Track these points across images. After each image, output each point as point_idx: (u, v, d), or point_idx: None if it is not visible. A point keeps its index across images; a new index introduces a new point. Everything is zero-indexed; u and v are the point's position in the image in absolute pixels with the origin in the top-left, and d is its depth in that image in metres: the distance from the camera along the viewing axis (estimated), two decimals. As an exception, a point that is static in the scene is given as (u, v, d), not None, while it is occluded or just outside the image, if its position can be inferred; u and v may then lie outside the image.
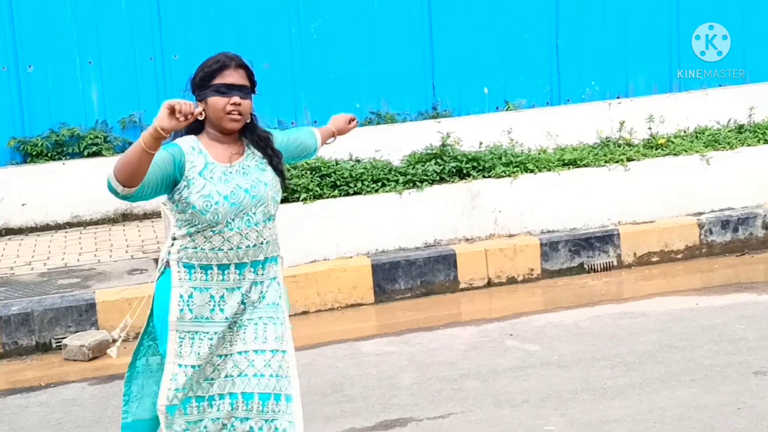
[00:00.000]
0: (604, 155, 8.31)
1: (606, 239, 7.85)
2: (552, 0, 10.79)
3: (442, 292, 7.51)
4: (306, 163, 7.82)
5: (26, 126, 9.79)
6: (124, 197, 3.46)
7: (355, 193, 7.70)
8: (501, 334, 6.39)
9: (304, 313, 7.23)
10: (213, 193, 3.62)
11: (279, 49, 10.19)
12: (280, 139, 4.07)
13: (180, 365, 3.70)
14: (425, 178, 7.84)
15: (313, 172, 7.76)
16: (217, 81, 3.69)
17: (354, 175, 7.79)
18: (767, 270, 7.62)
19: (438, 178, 7.88)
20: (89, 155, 9.75)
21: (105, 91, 9.95)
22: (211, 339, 3.72)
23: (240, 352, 3.74)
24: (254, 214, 3.73)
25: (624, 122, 9.07)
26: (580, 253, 7.78)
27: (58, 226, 9.68)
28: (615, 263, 7.84)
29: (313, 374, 5.89)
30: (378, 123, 10.31)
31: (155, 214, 9.61)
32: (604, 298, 7.12)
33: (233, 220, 3.67)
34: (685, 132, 9.08)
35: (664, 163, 8.26)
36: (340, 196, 7.67)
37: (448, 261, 7.56)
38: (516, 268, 7.67)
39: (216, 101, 3.66)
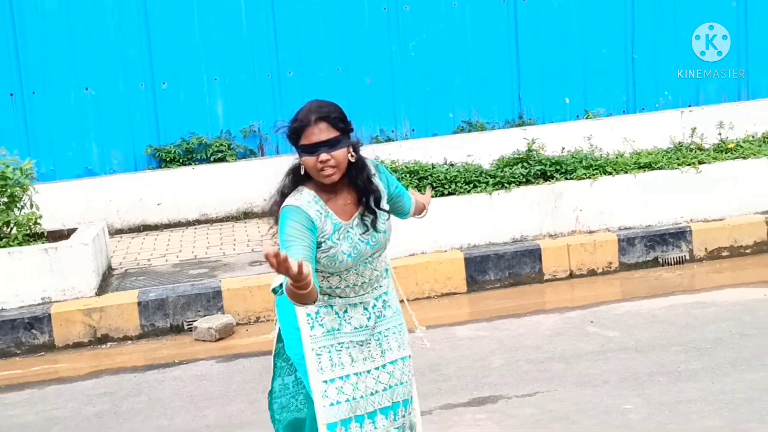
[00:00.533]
0: (677, 159, 8.18)
1: (679, 235, 7.71)
2: (628, 17, 10.62)
3: (528, 282, 7.46)
4: (406, 166, 7.86)
5: (161, 135, 10.00)
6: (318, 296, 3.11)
7: (450, 193, 7.70)
8: (582, 321, 6.33)
9: (403, 301, 7.24)
10: (338, 253, 3.32)
11: (381, 65, 10.23)
12: (393, 184, 3.65)
13: (324, 381, 3.38)
14: (512, 180, 7.80)
15: (412, 175, 7.77)
16: (303, 141, 3.24)
17: (448, 177, 7.79)
18: (831, 264, 7.41)
19: (524, 180, 7.84)
20: (215, 161, 9.91)
21: (228, 104, 10.10)
22: (348, 348, 3.44)
23: (377, 368, 3.48)
24: (371, 258, 3.45)
25: (695, 128, 8.90)
26: (654, 248, 7.66)
27: (188, 223, 9.86)
28: (687, 257, 7.70)
29: (413, 356, 5.90)
30: (469, 131, 10.28)
31: (272, 213, 9.70)
32: (677, 289, 6.99)
33: (353, 267, 3.40)
34: (753, 137, 8.89)
35: (733, 165, 8.08)
36: (436, 196, 7.67)
37: (534, 255, 7.50)
38: (596, 261, 7.58)
39: (306, 161, 3.26)
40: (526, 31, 10.46)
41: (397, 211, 3.79)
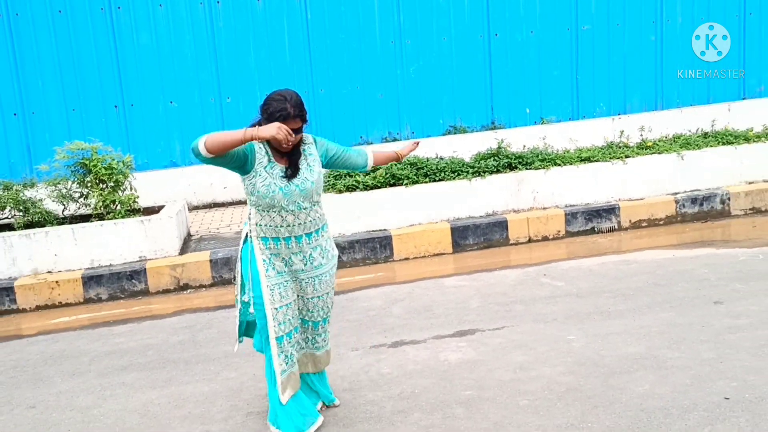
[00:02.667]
0: (609, 154, 8.15)
1: (610, 211, 7.68)
2: (573, 49, 10.53)
3: (497, 246, 7.46)
4: (408, 160, 7.84)
5: (226, 137, 9.96)
6: (204, 160, 3.47)
7: (440, 180, 7.69)
8: (538, 275, 6.34)
9: (406, 259, 7.26)
10: (272, 184, 3.58)
11: (389, 84, 10.17)
12: (334, 150, 3.90)
13: (275, 308, 3.66)
14: (487, 169, 7.78)
15: (412, 166, 7.76)
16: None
17: (439, 167, 7.77)
18: (723, 232, 7.36)
19: (495, 170, 7.82)
20: (266, 155, 9.88)
21: (276, 113, 10.05)
22: (288, 284, 3.71)
23: (311, 298, 3.78)
24: (302, 202, 3.63)
25: (623, 131, 8.87)
26: (592, 220, 7.64)
27: (245, 201, 9.83)
28: (616, 227, 7.68)
29: (411, 300, 5.92)
30: (454, 133, 10.23)
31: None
32: (608, 251, 6.98)
33: (287, 205, 3.60)
34: (666, 138, 8.84)
35: (651, 159, 8.04)
36: (429, 182, 7.66)
37: (502, 225, 7.49)
38: (548, 230, 7.56)
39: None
40: (497, 59, 10.39)
41: (350, 166, 3.99)
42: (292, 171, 3.62)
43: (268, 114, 3.54)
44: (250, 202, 3.67)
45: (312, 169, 3.70)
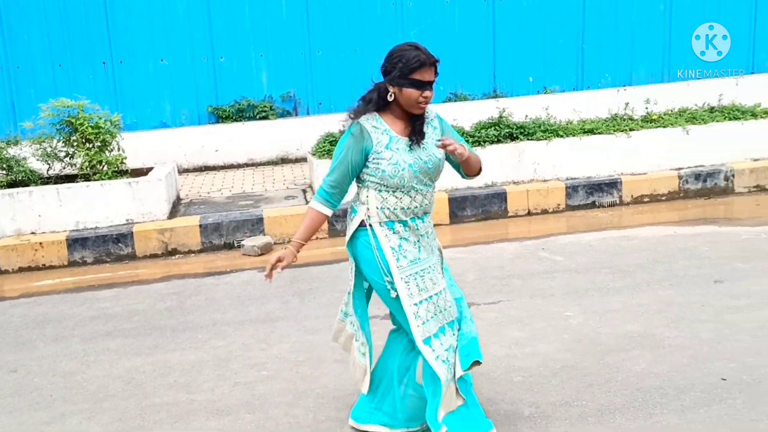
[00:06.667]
0: (613, 126, 8.10)
1: (612, 185, 7.66)
2: (579, 16, 10.43)
3: (496, 218, 7.43)
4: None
5: (219, 98, 9.90)
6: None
7: (438, 148, 7.64)
8: (536, 248, 6.33)
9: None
10: (400, 161, 3.11)
11: (389, 47, 10.02)
12: (443, 129, 3.35)
13: (415, 304, 3.10)
14: (487, 139, 7.74)
15: (410, 134, 7.71)
16: (416, 77, 3.07)
17: (438, 136, 7.72)
18: (726, 210, 7.35)
19: (496, 139, 7.77)
20: (260, 118, 9.82)
21: (271, 75, 9.98)
22: (432, 270, 3.20)
23: (441, 291, 3.17)
24: (427, 180, 3.20)
25: (628, 103, 8.81)
26: (593, 194, 7.62)
27: (238, 166, 9.81)
28: (617, 202, 7.66)
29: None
30: (455, 101, 10.17)
31: (303, 159, 9.68)
32: (609, 226, 6.97)
33: (417, 183, 3.16)
34: (672, 111, 8.79)
35: (655, 133, 8.00)
36: (427, 150, 7.61)
37: (501, 197, 7.46)
38: (548, 203, 7.54)
39: (411, 92, 3.09)
40: (501, 24, 10.29)
41: (452, 161, 3.37)
42: (417, 137, 3.17)
43: (402, 64, 3.07)
44: (365, 184, 3.20)
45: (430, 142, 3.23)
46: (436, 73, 3.15)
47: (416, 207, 3.19)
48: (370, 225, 3.18)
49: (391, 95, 3.14)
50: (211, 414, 3.85)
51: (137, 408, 3.97)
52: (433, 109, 3.32)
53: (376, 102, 3.18)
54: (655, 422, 3.48)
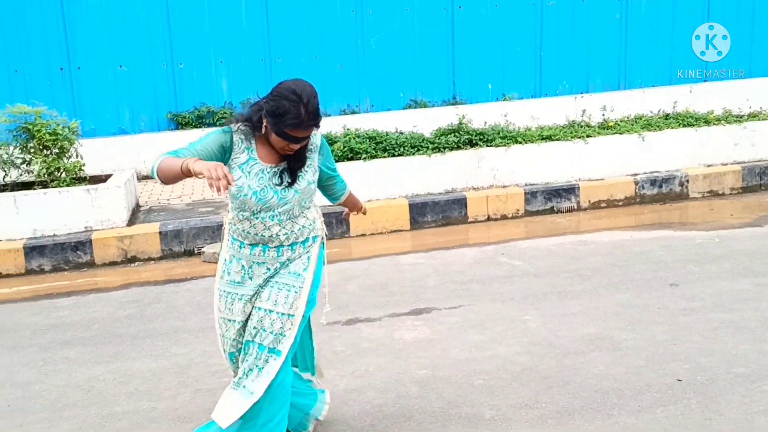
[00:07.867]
0: (571, 133, 8.23)
1: (570, 190, 7.78)
2: (537, 24, 10.58)
3: (456, 223, 7.50)
4: (366, 133, 7.83)
5: (178, 104, 9.82)
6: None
7: (399, 155, 7.68)
8: (496, 253, 6.39)
9: (362, 235, 7.26)
10: (245, 186, 2.98)
11: (349, 55, 10.10)
12: (331, 168, 3.33)
13: (220, 318, 3.20)
14: (447, 145, 7.80)
15: (371, 140, 7.74)
16: (288, 131, 2.88)
17: (398, 142, 7.76)
18: (681, 214, 7.52)
19: (456, 146, 7.84)
20: (220, 125, 9.67)
21: (231, 81, 9.93)
22: (241, 300, 3.13)
23: (258, 308, 3.11)
24: (279, 212, 3.06)
25: (585, 110, 8.96)
26: (551, 199, 7.72)
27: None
28: (575, 207, 7.78)
29: (367, 277, 5.93)
30: (415, 107, 10.23)
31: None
32: (567, 231, 7.08)
33: (259, 212, 3.04)
34: (627, 118, 8.96)
35: (612, 139, 8.14)
36: (389, 156, 7.66)
37: (461, 203, 7.53)
38: (507, 208, 7.62)
39: (278, 140, 2.94)
40: (460, 32, 10.39)
41: (326, 191, 3.44)
42: (291, 179, 3.05)
43: (276, 116, 2.86)
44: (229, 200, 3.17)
45: (303, 176, 3.10)
46: (317, 128, 2.98)
47: (256, 235, 3.09)
48: (227, 230, 3.24)
49: (263, 127, 2.97)
50: (174, 421, 3.83)
51: (98, 417, 3.93)
52: (319, 135, 3.18)
53: (254, 124, 3.01)
54: (613, 423, 3.55)
